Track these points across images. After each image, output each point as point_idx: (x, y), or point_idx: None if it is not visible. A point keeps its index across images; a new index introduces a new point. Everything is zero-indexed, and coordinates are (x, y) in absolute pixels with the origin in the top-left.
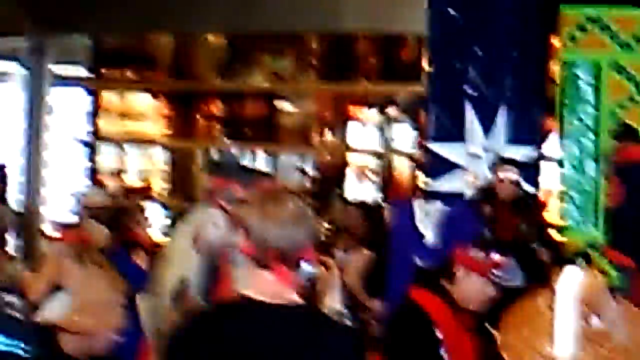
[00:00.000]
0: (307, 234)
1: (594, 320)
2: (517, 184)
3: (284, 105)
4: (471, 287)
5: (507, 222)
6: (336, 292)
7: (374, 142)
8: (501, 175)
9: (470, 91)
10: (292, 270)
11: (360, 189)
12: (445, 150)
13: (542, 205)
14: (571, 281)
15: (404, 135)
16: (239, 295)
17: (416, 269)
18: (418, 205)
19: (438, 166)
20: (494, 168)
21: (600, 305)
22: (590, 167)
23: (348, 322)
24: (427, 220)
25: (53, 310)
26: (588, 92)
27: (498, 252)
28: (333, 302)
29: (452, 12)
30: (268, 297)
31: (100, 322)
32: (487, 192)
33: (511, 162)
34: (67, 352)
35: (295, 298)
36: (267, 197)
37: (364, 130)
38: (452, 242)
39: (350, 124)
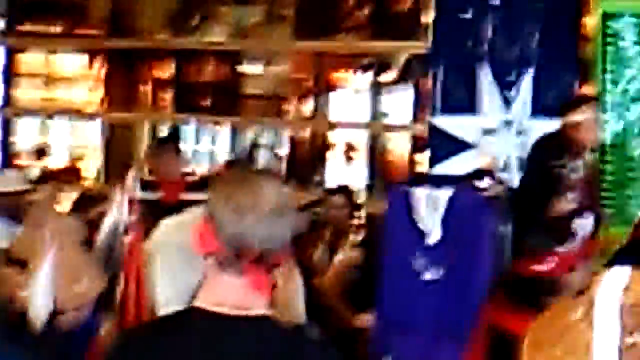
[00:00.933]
0: (287, 231)
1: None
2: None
3: (250, 68)
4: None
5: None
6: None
7: (362, 114)
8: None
9: (484, 50)
10: (268, 275)
11: (345, 172)
12: (453, 124)
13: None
14: (613, 288)
15: (401, 107)
16: (189, 307)
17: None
18: (417, 194)
19: (444, 145)
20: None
21: None
22: (637, 145)
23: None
24: (428, 212)
25: None
26: (633, 52)
27: None
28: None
29: None
30: (233, 308)
31: None
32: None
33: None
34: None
35: (266, 310)
36: (238, 182)
37: (349, 100)
38: (463, 240)
39: (333, 92)
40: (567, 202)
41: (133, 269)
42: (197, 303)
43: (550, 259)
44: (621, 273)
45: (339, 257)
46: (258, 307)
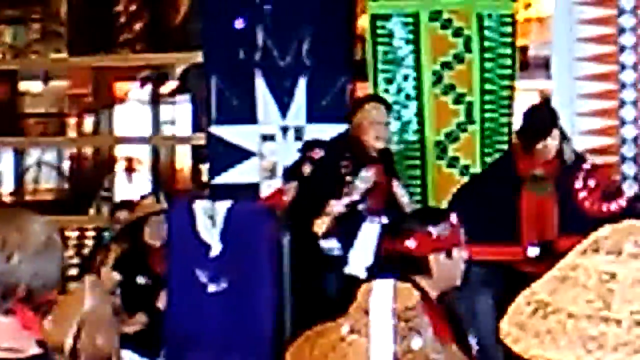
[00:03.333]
0: (57, 267)
1: (414, 341)
2: None
3: (29, 87)
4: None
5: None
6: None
7: (144, 127)
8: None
9: (258, 58)
10: (40, 313)
11: (129, 187)
12: (233, 133)
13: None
14: (383, 295)
15: (181, 118)
16: None
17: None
18: (200, 206)
19: (225, 154)
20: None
21: (418, 321)
22: (413, 140)
23: None
24: (207, 225)
25: None
26: (405, 52)
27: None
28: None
29: None
30: (5, 351)
31: None
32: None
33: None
34: None
35: (37, 349)
36: (3, 220)
37: (130, 114)
38: (244, 251)
39: (113, 106)
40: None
41: None
42: None
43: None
44: (387, 282)
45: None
46: (31, 348)
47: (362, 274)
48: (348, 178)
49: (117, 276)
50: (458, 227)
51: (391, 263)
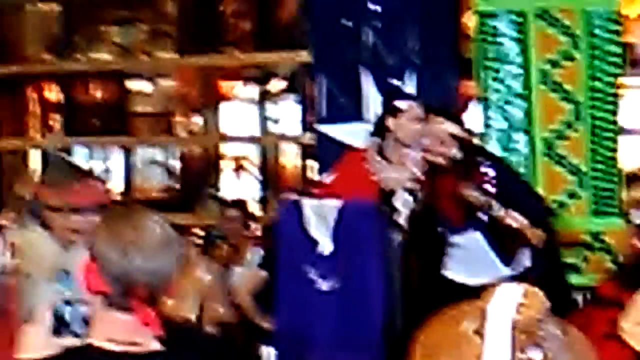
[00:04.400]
0: (174, 263)
1: (532, 353)
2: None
3: (137, 86)
4: None
5: (450, 191)
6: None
7: (252, 126)
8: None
9: (366, 56)
10: (156, 309)
11: (237, 185)
12: (341, 132)
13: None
14: (506, 301)
15: (290, 117)
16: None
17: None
18: (308, 204)
19: (333, 152)
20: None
21: (541, 333)
22: (521, 140)
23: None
24: (319, 222)
25: None
26: (512, 49)
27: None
28: None
29: None
30: (122, 344)
31: None
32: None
33: (440, 112)
34: None
35: (156, 345)
36: (121, 218)
37: (239, 112)
38: (354, 250)
39: (221, 105)
40: None
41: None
42: (89, 340)
43: None
44: (515, 287)
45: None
46: (149, 343)
47: (467, 280)
48: None
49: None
50: None
51: None
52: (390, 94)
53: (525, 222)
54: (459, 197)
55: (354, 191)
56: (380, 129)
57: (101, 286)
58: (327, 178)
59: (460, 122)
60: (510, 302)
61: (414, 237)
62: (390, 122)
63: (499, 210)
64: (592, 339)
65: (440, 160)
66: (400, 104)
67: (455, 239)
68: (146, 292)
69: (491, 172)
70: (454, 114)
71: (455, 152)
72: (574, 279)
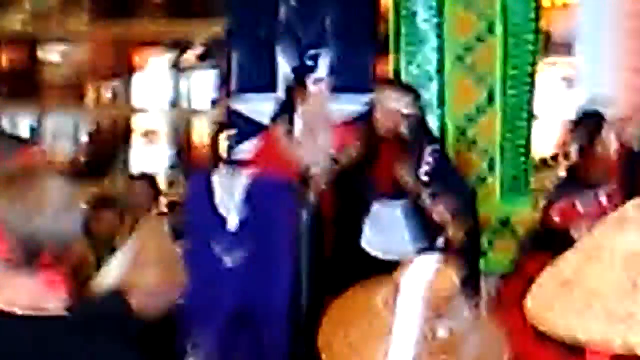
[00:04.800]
0: (78, 225)
1: (441, 330)
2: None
3: (48, 55)
4: None
5: (387, 162)
6: None
7: (164, 96)
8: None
9: (281, 31)
10: (62, 272)
11: (147, 158)
12: (252, 105)
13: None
14: (419, 276)
15: (202, 89)
16: None
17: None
18: (218, 179)
19: (245, 125)
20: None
21: (452, 311)
22: (432, 123)
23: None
24: (226, 198)
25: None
26: (428, 31)
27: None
28: None
29: None
30: (26, 309)
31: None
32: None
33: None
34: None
35: (60, 309)
36: (20, 176)
37: (150, 84)
38: (262, 225)
39: (135, 75)
40: None
41: None
42: None
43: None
44: (429, 261)
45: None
46: (54, 307)
47: (379, 254)
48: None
49: None
50: None
51: None
52: (300, 73)
53: (448, 217)
54: (393, 173)
55: (272, 169)
56: (288, 107)
57: (4, 250)
58: (244, 155)
59: (417, 96)
60: (423, 278)
61: (337, 196)
62: (298, 102)
63: (425, 200)
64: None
65: (385, 133)
66: (308, 83)
67: (376, 207)
68: (51, 254)
69: (429, 159)
70: (409, 87)
71: (403, 130)
72: (481, 264)
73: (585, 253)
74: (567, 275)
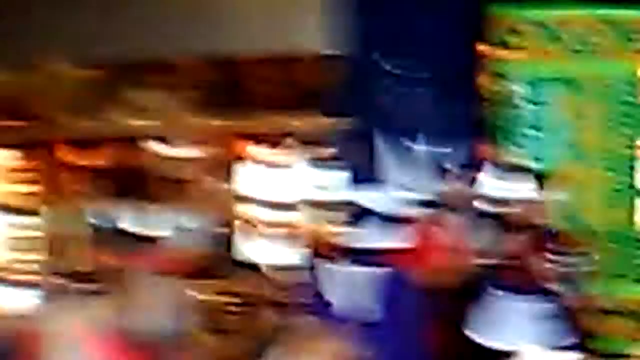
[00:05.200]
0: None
1: None
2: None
3: (159, 149)
4: None
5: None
6: None
7: (278, 187)
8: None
9: (380, 114)
10: None
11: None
12: (364, 195)
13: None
14: None
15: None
16: None
17: None
18: (321, 267)
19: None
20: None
21: None
22: None
23: None
24: (332, 284)
25: None
26: (529, 111)
27: None
28: None
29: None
30: None
31: None
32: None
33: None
34: None
35: None
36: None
37: (261, 174)
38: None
39: (242, 166)
40: None
41: None
42: None
43: None
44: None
45: None
46: None
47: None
48: None
49: None
50: None
51: None
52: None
53: None
54: (527, 264)
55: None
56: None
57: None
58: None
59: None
60: None
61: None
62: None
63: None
64: None
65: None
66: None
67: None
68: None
69: (549, 246)
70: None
71: (538, 219)
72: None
73: None
74: None
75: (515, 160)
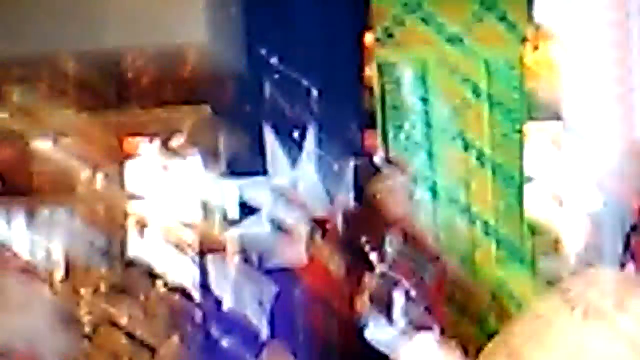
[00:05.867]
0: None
1: None
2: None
3: (40, 147)
4: None
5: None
6: None
7: (156, 183)
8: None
9: (267, 108)
10: None
11: (143, 244)
12: (244, 187)
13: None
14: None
15: (194, 171)
16: None
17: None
18: (211, 261)
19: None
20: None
21: None
22: (423, 190)
23: None
24: (223, 280)
25: None
26: (413, 99)
27: None
28: None
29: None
30: None
31: None
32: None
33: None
34: None
35: None
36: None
37: (143, 170)
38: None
39: (127, 163)
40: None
41: None
42: None
43: None
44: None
45: None
46: None
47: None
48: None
49: None
50: None
51: None
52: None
53: None
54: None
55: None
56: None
57: None
58: None
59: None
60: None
61: None
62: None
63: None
64: None
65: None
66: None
67: None
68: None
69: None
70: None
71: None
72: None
73: (536, 326)
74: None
75: (391, 154)
